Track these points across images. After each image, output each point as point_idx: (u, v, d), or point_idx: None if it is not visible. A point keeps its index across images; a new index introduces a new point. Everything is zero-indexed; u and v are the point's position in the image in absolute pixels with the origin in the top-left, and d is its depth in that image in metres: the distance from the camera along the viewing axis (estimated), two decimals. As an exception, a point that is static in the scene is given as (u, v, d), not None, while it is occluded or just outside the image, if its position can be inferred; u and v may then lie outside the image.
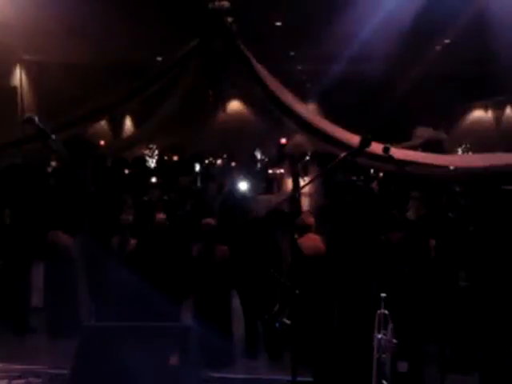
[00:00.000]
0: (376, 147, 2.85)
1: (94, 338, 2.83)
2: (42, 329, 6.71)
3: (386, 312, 2.96)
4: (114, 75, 15.61)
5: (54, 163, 15.04)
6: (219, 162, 21.21)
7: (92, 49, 14.70)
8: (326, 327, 5.62)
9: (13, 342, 6.33)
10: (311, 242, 5.66)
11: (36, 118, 2.39)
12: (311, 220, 5.82)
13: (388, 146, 3.31)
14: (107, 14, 11.58)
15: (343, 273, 5.89)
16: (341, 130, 5.71)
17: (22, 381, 2.84)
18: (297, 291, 2.64)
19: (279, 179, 17.36)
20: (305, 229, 5.69)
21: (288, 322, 2.68)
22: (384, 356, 3.02)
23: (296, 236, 5.46)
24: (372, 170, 14.57)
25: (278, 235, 5.92)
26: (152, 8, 11.82)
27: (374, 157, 4.52)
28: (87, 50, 14.74)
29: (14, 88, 17.02)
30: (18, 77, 17.20)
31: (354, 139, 5.12)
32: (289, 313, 2.67)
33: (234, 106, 25.81)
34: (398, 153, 4.94)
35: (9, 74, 16.80)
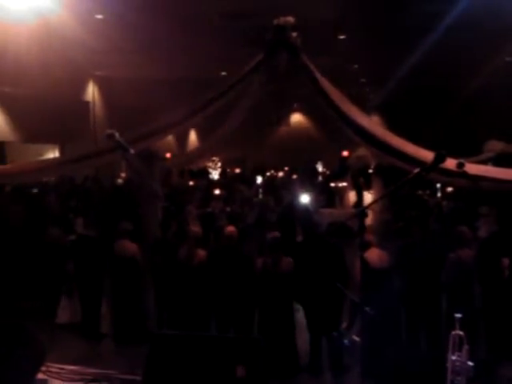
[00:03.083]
0: (449, 162, 2.76)
1: (164, 346, 2.90)
2: (110, 335, 6.96)
3: (461, 333, 2.86)
4: (181, 90, 16.09)
5: (123, 174, 15.62)
6: (281, 174, 21.23)
7: (159, 65, 15.27)
8: (396, 345, 5.47)
9: (83, 347, 6.63)
10: (376, 255, 5.57)
11: (117, 134, 2.53)
12: (371, 236, 5.74)
13: (462, 161, 3.20)
14: (173, 31, 12.02)
15: (410, 290, 5.74)
16: (409, 143, 5.57)
17: (96, 384, 2.94)
18: (367, 308, 2.60)
19: (341, 193, 17.12)
20: (368, 244, 5.63)
21: (357, 339, 2.64)
22: (459, 379, 2.91)
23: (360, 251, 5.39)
24: (439, 185, 14.10)
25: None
26: (217, 24, 12.14)
27: (446, 172, 4.37)
28: (155, 66, 15.31)
29: (87, 103, 17.93)
30: (91, 92, 18.10)
31: (425, 154, 4.99)
32: (358, 330, 2.64)
33: (296, 118, 25.91)
34: (472, 168, 4.74)
35: (82, 89, 17.74)
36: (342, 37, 13.84)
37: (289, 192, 12.98)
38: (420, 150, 5.35)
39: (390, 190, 5.49)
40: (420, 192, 13.61)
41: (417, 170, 2.67)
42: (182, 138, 22.47)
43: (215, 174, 21.26)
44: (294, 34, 6.71)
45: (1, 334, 2.81)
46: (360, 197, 15.51)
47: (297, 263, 5.64)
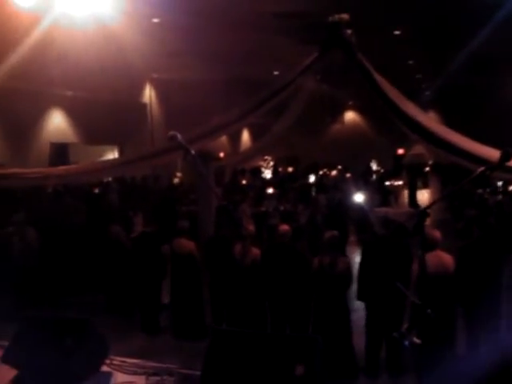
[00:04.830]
0: (514, 159, 2.65)
1: (224, 342, 2.95)
2: (169, 329, 7.12)
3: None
4: (235, 90, 16.27)
5: (179, 174, 15.98)
6: (334, 173, 21.03)
7: (213, 66, 15.47)
8: (455, 347, 5.33)
9: (143, 341, 6.83)
10: (438, 260, 5.33)
11: (179, 135, 2.61)
12: (438, 234, 5.48)
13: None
14: (227, 33, 12.16)
15: (470, 292, 5.56)
16: (471, 141, 5.40)
17: (158, 378, 3.03)
18: (428, 310, 2.55)
19: (396, 191, 16.81)
20: (432, 245, 5.35)
21: (418, 341, 2.58)
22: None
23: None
24: (500, 183, 13.59)
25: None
26: (270, 24, 12.17)
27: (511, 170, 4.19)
28: (209, 68, 15.53)
29: (145, 105, 18.44)
30: (148, 94, 18.60)
31: (487, 151, 4.83)
32: (418, 332, 2.59)
33: (350, 116, 25.60)
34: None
35: (140, 91, 18.26)
36: (397, 32, 13.57)
37: (339, 191, 12.87)
38: (482, 148, 5.18)
39: (454, 188, 5.32)
40: (480, 190, 13.17)
41: (481, 169, 2.59)
42: (235, 138, 22.69)
43: (268, 174, 21.35)
44: (349, 31, 6.62)
45: (68, 328, 2.96)
46: (413, 195, 15.16)
47: (363, 262, 5.58)
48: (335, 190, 13.46)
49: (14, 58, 10.89)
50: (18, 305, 6.97)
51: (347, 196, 11.81)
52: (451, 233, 8.94)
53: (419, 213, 2.65)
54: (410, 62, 17.22)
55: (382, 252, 5.57)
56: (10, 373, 2.88)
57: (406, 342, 2.53)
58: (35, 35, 10.82)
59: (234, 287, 6.11)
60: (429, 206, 2.65)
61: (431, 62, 16.15)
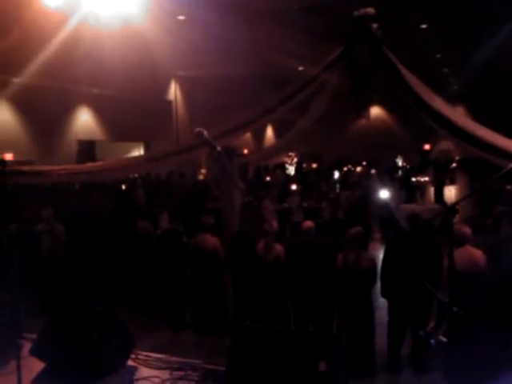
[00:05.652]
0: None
1: (248, 338, 2.94)
2: (192, 325, 7.16)
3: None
4: (259, 86, 16.25)
5: (203, 171, 16.07)
6: (359, 169, 20.82)
7: (238, 63, 15.48)
8: (483, 347, 5.22)
9: (166, 336, 6.88)
10: (467, 256, 5.19)
11: (205, 132, 2.62)
12: (468, 230, 5.26)
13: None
14: (252, 29, 12.13)
15: (499, 291, 5.43)
16: (500, 136, 5.26)
17: (182, 373, 3.04)
18: (455, 309, 2.50)
19: (422, 188, 16.53)
20: (462, 241, 5.18)
21: (444, 339, 2.54)
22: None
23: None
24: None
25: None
26: (294, 19, 12.11)
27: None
28: (234, 64, 15.54)
29: (170, 102, 18.58)
30: (173, 91, 18.73)
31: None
32: (445, 330, 2.54)
33: (375, 111, 25.29)
34: None
35: (165, 89, 18.41)
36: (423, 26, 13.35)
37: (362, 188, 12.73)
38: (511, 143, 5.06)
39: (483, 184, 5.20)
40: (509, 187, 12.86)
41: (512, 165, 2.53)
42: (259, 134, 22.68)
43: (291, 170, 21.27)
44: (375, 26, 6.54)
45: (95, 322, 3.00)
46: (440, 192, 14.89)
47: (387, 259, 5.52)
48: (358, 187, 13.33)
49: (42, 56, 11.09)
50: (46, 299, 7.12)
51: (371, 192, 11.68)
52: (480, 229, 8.74)
53: (448, 209, 2.60)
54: (438, 56, 16.94)
55: (408, 249, 5.48)
56: (38, 365, 2.94)
57: (432, 341, 2.49)
58: (62, 34, 11.00)
59: (257, 284, 6.11)
60: (457, 203, 2.60)
61: (459, 56, 15.85)
